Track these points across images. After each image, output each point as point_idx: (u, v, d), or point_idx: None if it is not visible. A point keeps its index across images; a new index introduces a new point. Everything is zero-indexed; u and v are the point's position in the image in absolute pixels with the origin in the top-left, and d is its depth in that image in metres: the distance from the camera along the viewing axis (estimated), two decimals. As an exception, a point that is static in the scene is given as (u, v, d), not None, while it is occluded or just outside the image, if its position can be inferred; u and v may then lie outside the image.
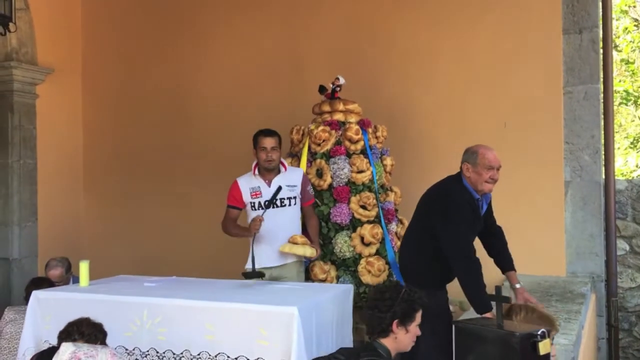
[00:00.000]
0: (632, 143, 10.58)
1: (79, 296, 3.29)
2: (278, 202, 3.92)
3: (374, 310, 2.39)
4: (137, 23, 6.32)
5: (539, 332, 1.77)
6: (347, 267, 4.09)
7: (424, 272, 3.33)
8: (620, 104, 9.68)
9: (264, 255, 3.85)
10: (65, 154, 6.36)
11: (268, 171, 3.97)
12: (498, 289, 1.93)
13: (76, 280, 4.01)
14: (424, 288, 2.56)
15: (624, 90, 9.94)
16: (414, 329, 2.37)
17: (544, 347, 1.70)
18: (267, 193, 3.94)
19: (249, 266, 3.61)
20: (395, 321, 2.34)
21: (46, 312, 3.28)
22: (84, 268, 3.53)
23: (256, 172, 4.02)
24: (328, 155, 4.26)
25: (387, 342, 2.36)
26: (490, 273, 4.68)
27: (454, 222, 3.11)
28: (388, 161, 4.47)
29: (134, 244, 6.10)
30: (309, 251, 3.84)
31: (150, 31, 6.24)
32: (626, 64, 10.73)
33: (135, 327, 3.08)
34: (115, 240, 6.24)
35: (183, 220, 5.91)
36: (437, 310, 3.15)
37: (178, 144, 6.04)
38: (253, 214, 3.92)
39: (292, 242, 3.85)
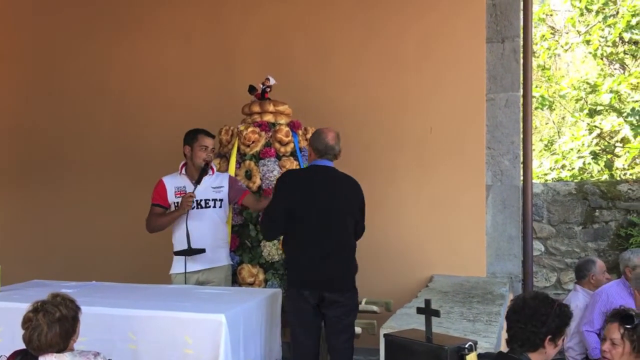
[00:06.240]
0: (546, 146, 11.15)
1: (-11, 304, 3.08)
2: (203, 203, 3.87)
3: (527, 325, 2.26)
4: (56, 12, 5.98)
5: (466, 345, 1.82)
6: (275, 271, 4.05)
7: None
8: (536, 108, 10.15)
9: (191, 258, 3.76)
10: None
11: (196, 171, 3.89)
12: (427, 302, 1.97)
13: (-14, 286, 3.76)
14: None
15: (540, 96, 10.43)
16: (560, 342, 2.34)
17: (471, 359, 1.75)
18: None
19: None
20: (549, 337, 2.28)
21: (-49, 322, 3.05)
22: (-6, 274, 3.33)
23: (183, 171, 3.96)
24: (257, 157, 4.21)
25: (535, 356, 2.28)
26: (415, 274, 4.85)
27: None
28: (317, 163, 4.46)
29: (50, 245, 5.79)
30: None
31: (69, 21, 5.92)
32: (542, 69, 11.27)
33: (52, 336, 2.93)
34: (28, 240, 5.89)
35: (103, 219, 5.65)
36: None
37: (98, 140, 5.77)
38: None
39: None
